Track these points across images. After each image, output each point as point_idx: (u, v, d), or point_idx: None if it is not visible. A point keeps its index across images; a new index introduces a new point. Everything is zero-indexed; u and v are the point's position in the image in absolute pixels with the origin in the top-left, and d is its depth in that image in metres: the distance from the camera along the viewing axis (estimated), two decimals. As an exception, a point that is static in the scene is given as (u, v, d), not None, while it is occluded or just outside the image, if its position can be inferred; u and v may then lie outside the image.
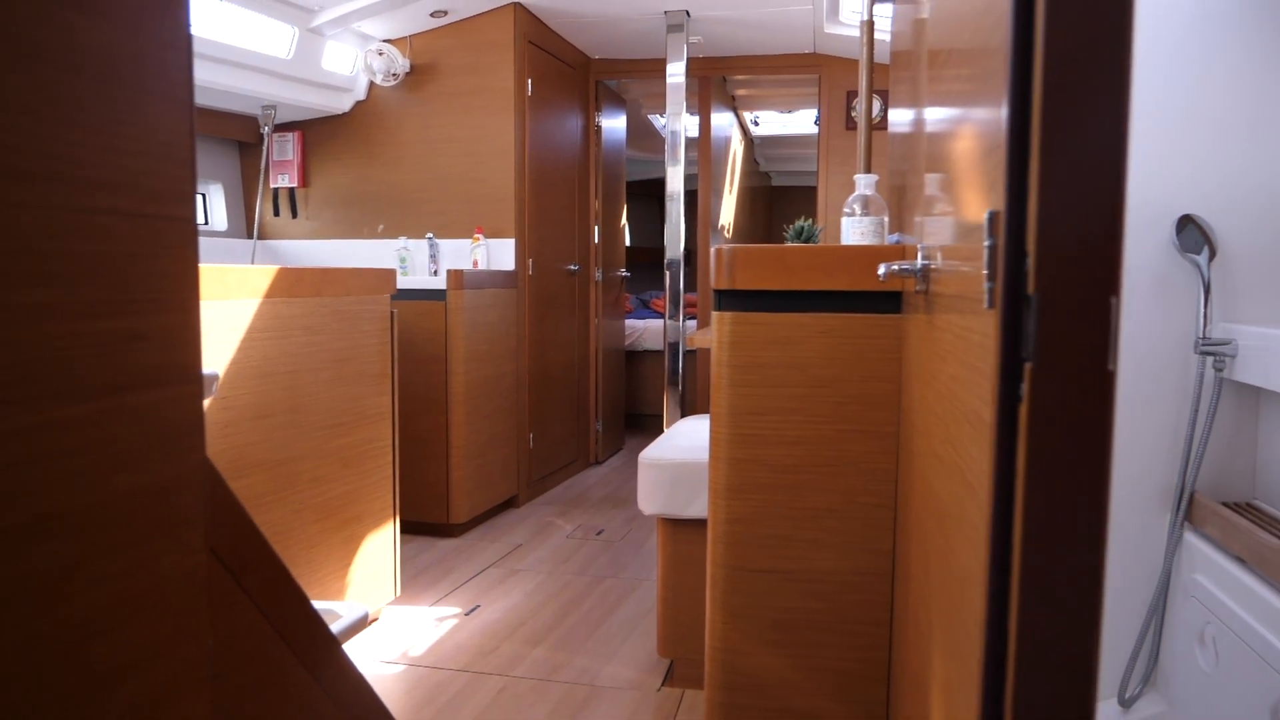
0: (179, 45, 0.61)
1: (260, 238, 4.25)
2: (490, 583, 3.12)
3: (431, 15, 3.87)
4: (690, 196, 4.93)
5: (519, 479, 4.08)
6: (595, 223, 4.90)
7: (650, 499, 2.25)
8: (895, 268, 1.19)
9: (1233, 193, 1.93)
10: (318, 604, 1.28)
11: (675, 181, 4.16)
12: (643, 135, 6.51)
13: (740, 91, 5.79)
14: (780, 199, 8.64)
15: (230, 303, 2.02)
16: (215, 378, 1.78)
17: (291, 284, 2.23)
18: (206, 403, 1.89)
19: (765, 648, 1.69)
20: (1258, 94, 1.91)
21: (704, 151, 4.98)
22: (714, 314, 1.65)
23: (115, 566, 0.56)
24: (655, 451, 2.29)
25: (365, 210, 4.16)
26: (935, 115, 1.16)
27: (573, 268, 4.66)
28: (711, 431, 1.67)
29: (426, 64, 4.01)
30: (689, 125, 4.62)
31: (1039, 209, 0.49)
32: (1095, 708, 0.53)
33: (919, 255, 1.12)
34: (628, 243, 8.16)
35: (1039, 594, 0.50)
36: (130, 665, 0.57)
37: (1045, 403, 0.49)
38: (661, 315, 5.92)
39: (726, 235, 5.61)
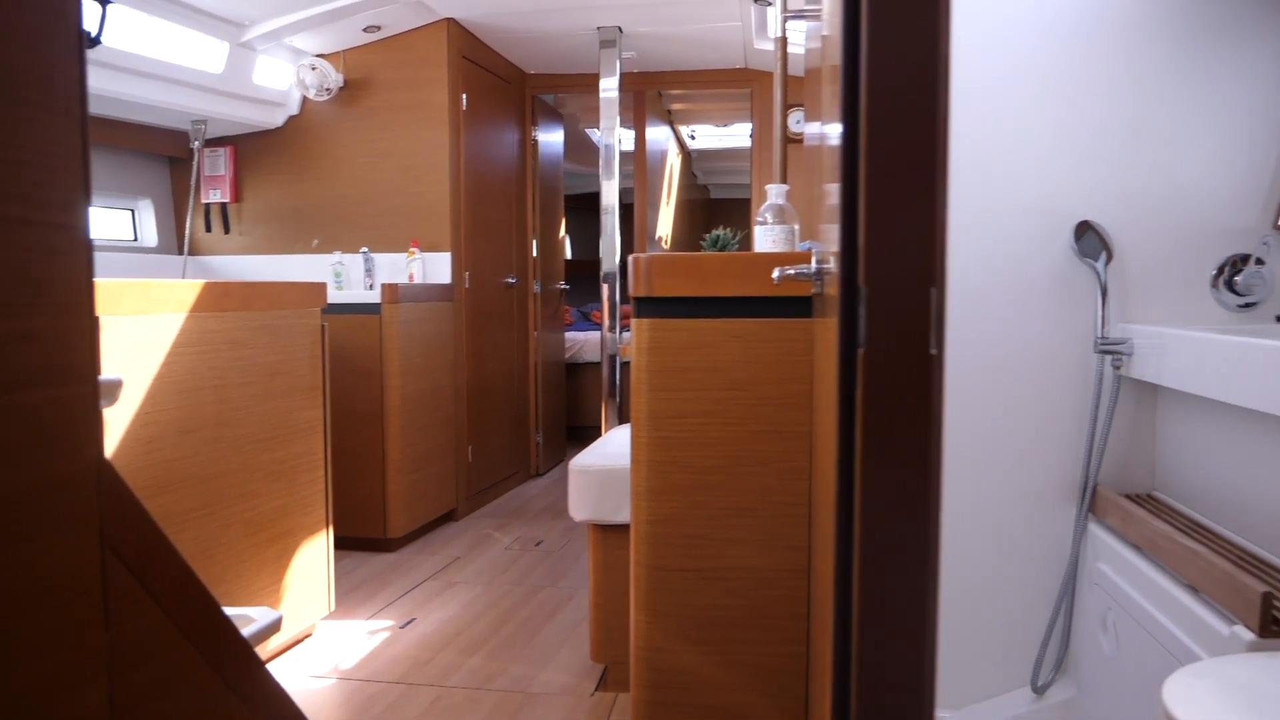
0: (70, 57, 0.64)
1: (192, 254, 4.21)
2: (427, 595, 3.12)
3: (364, 30, 3.88)
4: (628, 209, 4.99)
5: (458, 492, 4.09)
6: (533, 236, 4.93)
7: (580, 505, 2.28)
8: (790, 271, 1.24)
9: (1127, 199, 2.03)
10: (231, 609, 1.29)
11: (610, 195, 4.21)
12: (581, 149, 6.56)
13: (676, 106, 5.87)
14: (719, 211, 8.75)
15: (154, 317, 2.02)
16: (118, 384, 1.78)
17: (218, 298, 2.23)
18: (112, 408, 1.88)
19: (688, 646, 1.73)
20: (1149, 108, 2.01)
21: (639, 165, 5.04)
22: (633, 321, 1.69)
23: (4, 558, 0.58)
24: (585, 459, 2.33)
25: (300, 225, 4.14)
26: (830, 128, 1.22)
27: (511, 280, 4.68)
28: (632, 436, 1.71)
29: (360, 79, 4.02)
30: (624, 139, 4.68)
31: (866, 210, 0.54)
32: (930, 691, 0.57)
33: (813, 260, 1.17)
34: (568, 256, 8.21)
35: (875, 565, 0.54)
36: (20, 654, 0.59)
37: (875, 386, 0.54)
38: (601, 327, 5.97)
39: (664, 246, 5.67)
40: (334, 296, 3.59)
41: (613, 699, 2.33)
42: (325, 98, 3.98)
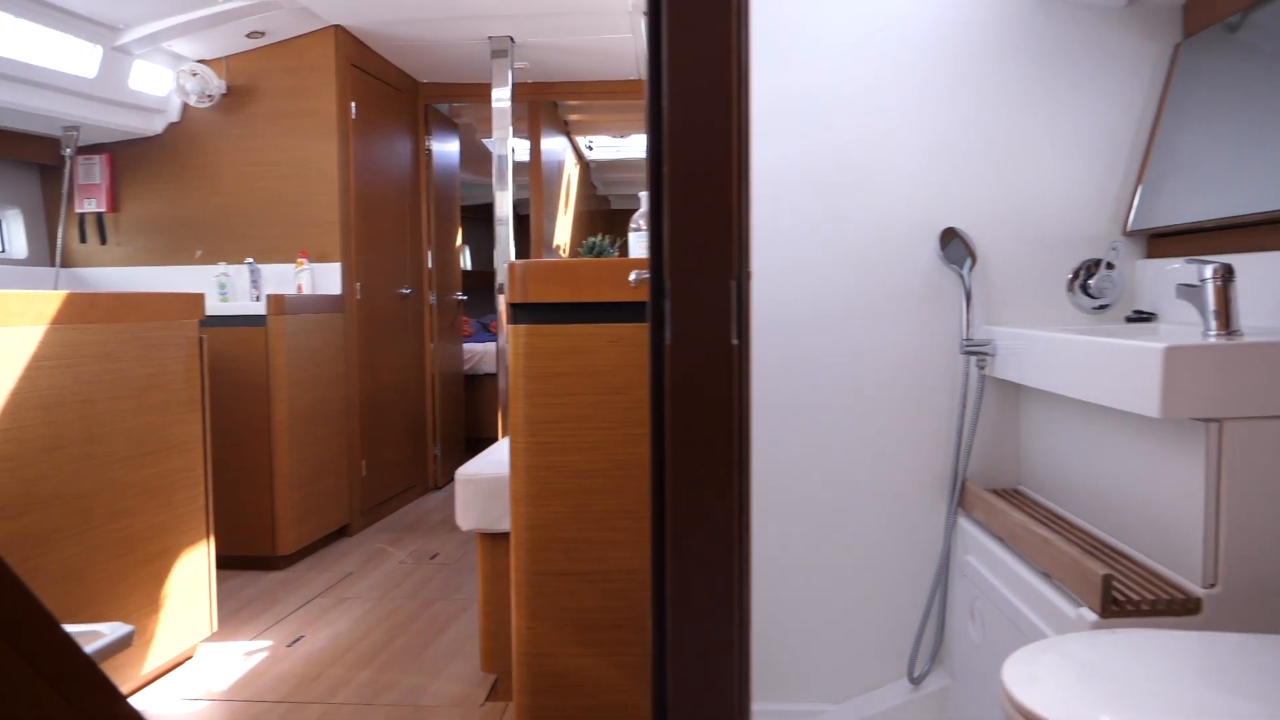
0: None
1: (66, 266, 4.04)
2: (316, 613, 3.05)
3: (248, 36, 3.79)
4: (526, 220, 4.99)
5: (351, 507, 4.01)
6: (429, 246, 4.88)
7: (467, 514, 2.27)
8: (645, 275, 1.27)
9: (991, 209, 2.13)
10: (77, 626, 1.24)
11: (504, 205, 4.20)
12: (479, 159, 6.53)
13: (573, 117, 5.89)
14: (620, 221, 8.80)
15: (11, 330, 1.94)
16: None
17: (84, 309, 2.15)
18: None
19: (572, 649, 1.74)
20: (1011, 123, 2.11)
21: (535, 175, 5.05)
22: (509, 327, 1.70)
23: None
24: (472, 468, 2.32)
25: (182, 236, 4.02)
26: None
27: (405, 291, 4.63)
28: (510, 442, 1.72)
29: (245, 86, 3.93)
30: (518, 149, 4.68)
31: (670, 209, 0.56)
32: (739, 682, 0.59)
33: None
34: (467, 266, 8.15)
35: (683, 553, 0.57)
36: None
37: (680, 378, 0.56)
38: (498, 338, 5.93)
39: (563, 256, 5.68)
40: (217, 308, 3.49)
41: (503, 708, 2.32)
42: (207, 104, 3.87)
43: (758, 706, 2.19)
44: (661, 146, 0.56)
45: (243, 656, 2.67)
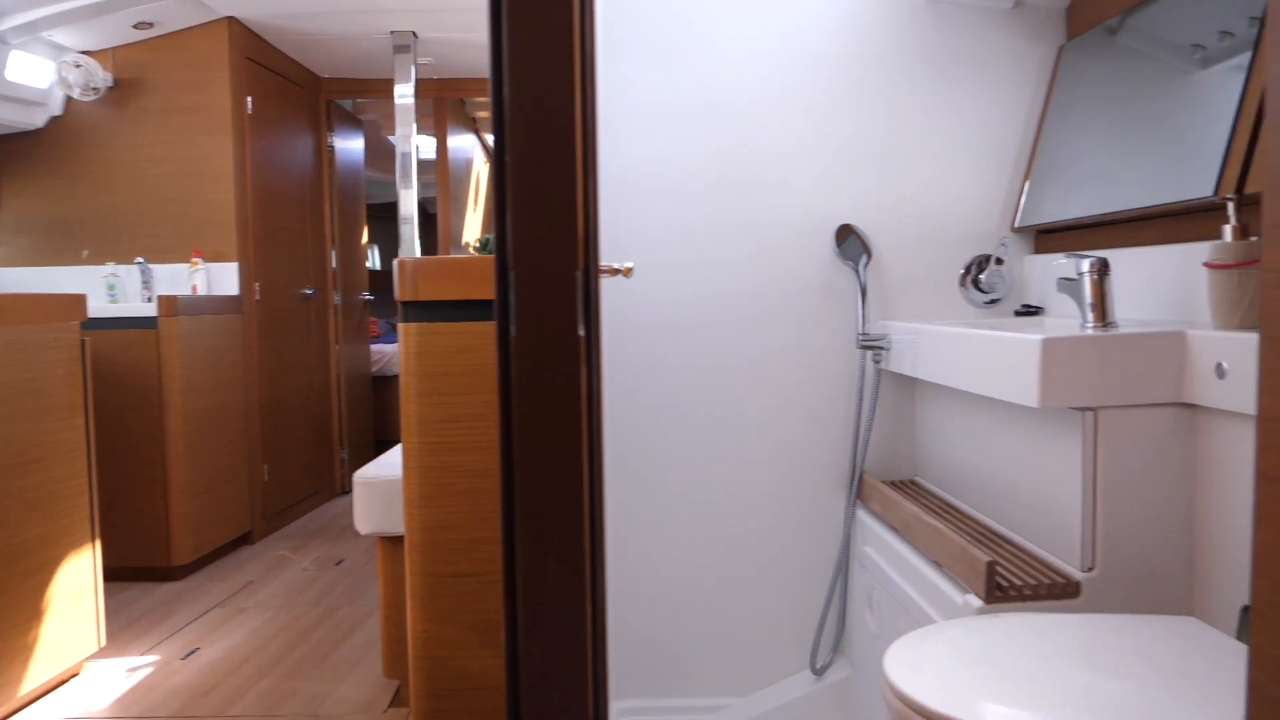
0: None
1: (-59, 266, 3.83)
2: (213, 624, 2.95)
3: (135, 27, 3.65)
4: (434, 218, 4.91)
5: (253, 514, 3.89)
6: (332, 245, 4.77)
7: (366, 518, 2.22)
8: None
9: (886, 206, 2.16)
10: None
11: (409, 204, 4.13)
12: (386, 156, 6.41)
13: (481, 114, 5.83)
14: (534, 221, 8.73)
15: None
16: None
17: (-50, 311, 2.03)
18: None
19: (471, 651, 1.72)
20: (905, 123, 2.15)
21: (442, 173, 4.97)
22: (400, 326, 1.66)
23: None
24: (370, 470, 2.27)
25: (68, 234, 3.84)
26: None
27: (308, 292, 4.51)
28: (403, 442, 1.68)
29: (133, 79, 3.77)
30: (425, 146, 4.60)
31: (513, 199, 0.55)
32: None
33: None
34: (375, 266, 7.99)
35: (533, 542, 0.55)
36: None
37: (525, 369, 0.55)
38: (411, 339, 5.83)
39: (472, 254, 5.61)
40: (106, 310, 3.35)
41: (406, 714, 2.28)
42: (93, 98, 3.71)
43: (662, 702, 2.19)
44: (504, 139, 0.54)
45: (132, 672, 2.57)
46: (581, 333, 0.54)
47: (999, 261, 2.16)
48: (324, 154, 4.72)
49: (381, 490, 2.18)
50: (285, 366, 4.24)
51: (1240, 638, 1.33)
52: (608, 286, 2.12)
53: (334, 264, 4.78)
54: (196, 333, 3.46)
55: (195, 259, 3.72)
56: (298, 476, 4.35)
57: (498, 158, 0.55)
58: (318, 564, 3.60)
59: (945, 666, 1.10)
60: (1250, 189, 1.39)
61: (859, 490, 2.12)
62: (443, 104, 4.89)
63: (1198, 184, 1.51)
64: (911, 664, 1.11)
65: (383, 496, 2.18)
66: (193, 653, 2.70)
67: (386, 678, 2.37)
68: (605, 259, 2.12)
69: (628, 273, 1.14)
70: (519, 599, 0.56)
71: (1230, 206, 1.40)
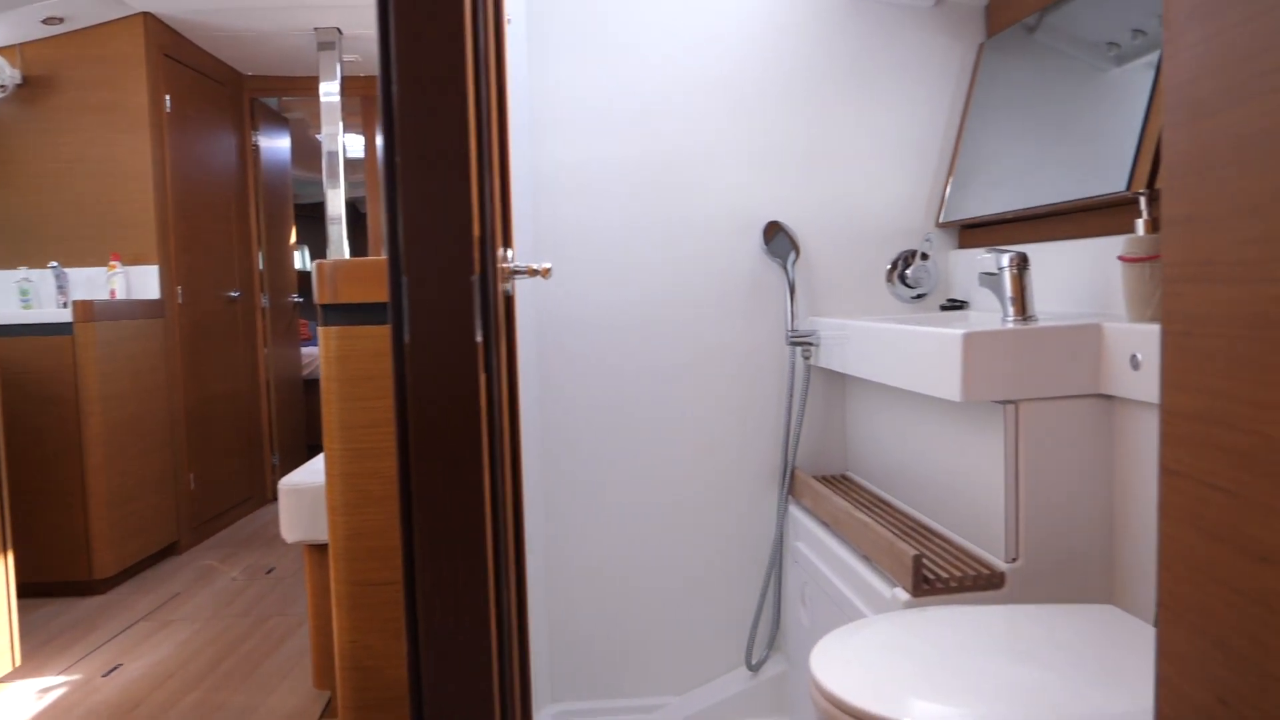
0: None
1: None
2: (137, 638, 2.86)
3: (45, 23, 3.51)
4: (365, 218, 4.82)
5: (179, 524, 3.78)
6: (259, 247, 4.66)
7: (292, 526, 2.16)
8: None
9: (814, 204, 2.17)
10: None
11: (336, 203, 4.04)
12: (314, 156, 6.28)
13: (412, 112, 5.74)
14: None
15: None
16: None
17: None
18: None
19: (399, 660, 1.68)
20: (832, 122, 2.16)
21: (371, 172, 4.89)
22: (320, 329, 1.62)
23: None
24: (296, 477, 2.21)
25: (-24, 238, 3.69)
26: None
27: (233, 294, 4.40)
28: (325, 449, 1.64)
29: (43, 76, 3.64)
30: (353, 145, 4.52)
31: (404, 203, 0.53)
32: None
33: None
34: (305, 267, 7.83)
35: (428, 552, 0.53)
36: None
37: (420, 376, 0.53)
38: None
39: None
40: (17, 316, 3.22)
41: (337, 726, 2.23)
42: (0, 96, 3.57)
43: (599, 704, 2.18)
44: (393, 140, 0.52)
45: (47, 692, 2.47)
46: (479, 338, 0.52)
47: (924, 257, 2.18)
48: (248, 153, 4.61)
49: (308, 497, 2.13)
50: (211, 371, 4.13)
51: (1157, 624, 1.36)
52: (536, 287, 2.10)
53: (261, 265, 4.67)
54: (115, 339, 3.35)
55: (113, 262, 3.60)
56: (226, 484, 4.24)
57: (388, 159, 0.52)
58: (247, 573, 3.51)
59: (871, 663, 1.10)
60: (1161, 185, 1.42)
61: (791, 486, 2.13)
62: (370, 101, 4.81)
63: (1111, 179, 1.54)
64: (837, 662, 1.11)
65: (309, 503, 2.13)
66: (115, 669, 2.61)
67: (317, 688, 2.31)
68: (533, 259, 2.09)
69: (546, 274, 1.12)
70: (418, 612, 0.54)
71: (1142, 201, 1.43)
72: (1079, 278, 1.72)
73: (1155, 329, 1.31)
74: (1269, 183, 0.51)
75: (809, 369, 2.13)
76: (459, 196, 0.50)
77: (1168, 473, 0.61)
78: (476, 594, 0.53)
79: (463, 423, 0.52)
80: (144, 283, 3.68)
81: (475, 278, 0.52)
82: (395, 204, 0.53)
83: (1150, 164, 1.46)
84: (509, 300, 1.22)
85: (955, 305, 2.15)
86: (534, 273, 1.13)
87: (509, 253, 1.17)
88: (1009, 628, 1.22)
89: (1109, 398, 1.46)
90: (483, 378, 0.53)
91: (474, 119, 0.53)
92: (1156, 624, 1.34)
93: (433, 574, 0.53)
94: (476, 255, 0.52)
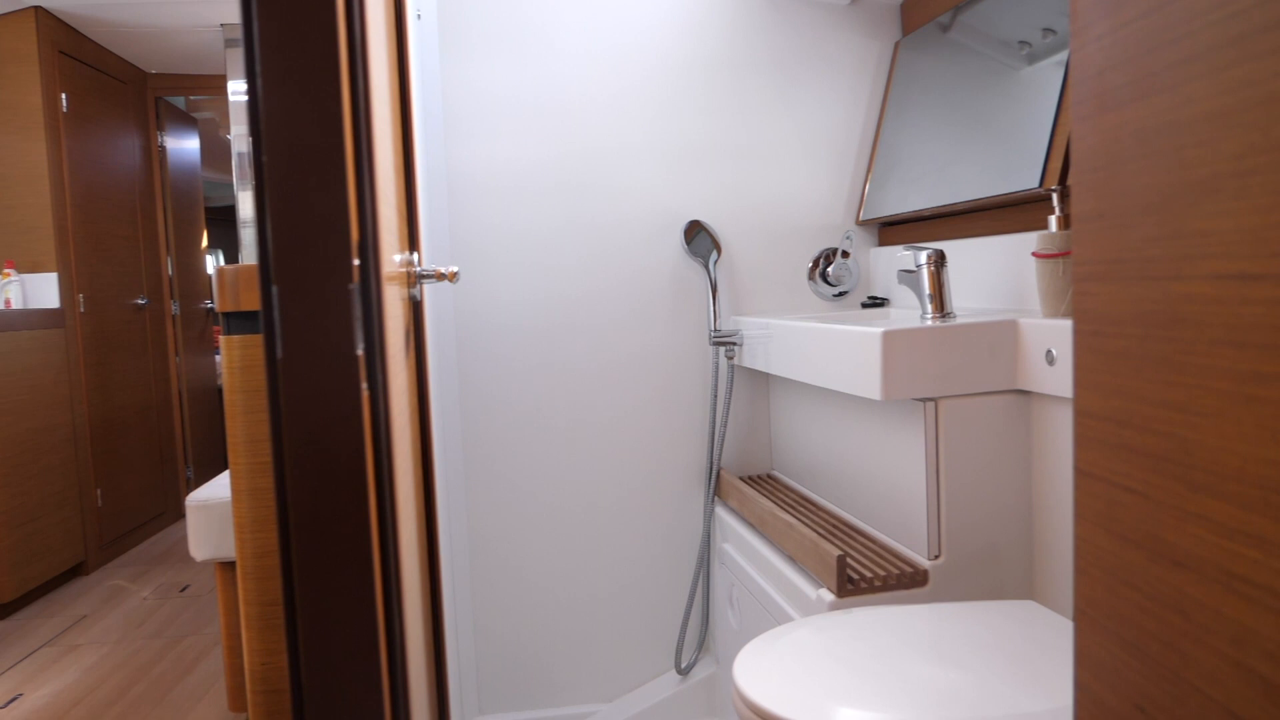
0: None
1: None
2: (41, 665, 2.72)
3: (-72, 18, 3.33)
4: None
5: (86, 542, 3.62)
6: (168, 252, 4.49)
7: (201, 544, 2.07)
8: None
9: (734, 202, 2.16)
10: None
11: (247, 206, 3.92)
12: (226, 157, 6.09)
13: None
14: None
15: None
16: None
17: None
18: None
19: (315, 683, 1.61)
20: (752, 121, 2.15)
21: (287, 173, 4.75)
22: (222, 339, 1.54)
23: None
24: (205, 493, 2.12)
25: None
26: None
27: (140, 302, 4.23)
28: (231, 464, 1.56)
29: (-72, 74, 3.44)
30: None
31: (271, 206, 0.48)
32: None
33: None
34: (225, 273, 7.59)
35: (310, 584, 0.49)
36: None
37: (295, 395, 0.49)
38: (260, 347, 5.55)
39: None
40: (-98, 329, 3.04)
41: (254, 750, 2.14)
42: (-119, 96, 3.37)
43: (528, 714, 2.13)
44: (260, 137, 0.48)
45: (-58, 727, 2.34)
46: (360, 351, 0.48)
47: (845, 255, 2.18)
48: (154, 154, 4.44)
49: (216, 513, 2.04)
50: (119, 382, 3.97)
51: (1075, 631, 1.37)
52: (457, 289, 2.05)
53: (170, 271, 4.50)
54: (10, 350, 3.18)
55: (8, 270, 3.43)
56: (137, 499, 4.08)
57: (255, 159, 0.48)
58: (160, 591, 3.38)
59: (793, 670, 1.08)
60: (1072, 180, 1.44)
61: (717, 487, 2.12)
62: (284, 101, 4.66)
63: (1025, 177, 1.55)
64: (760, 670, 1.09)
65: (218, 520, 2.05)
66: (15, 700, 2.48)
67: (232, 711, 2.23)
68: (450, 261, 2.04)
69: (453, 277, 1.08)
70: (300, 646, 0.50)
71: (1055, 198, 1.44)
72: (996, 274, 1.73)
73: (1069, 325, 1.32)
74: (1173, 178, 0.49)
75: (733, 369, 2.11)
76: (333, 198, 0.46)
77: (1081, 474, 0.60)
78: (362, 628, 0.49)
79: (342, 441, 0.47)
80: (42, 291, 3.51)
81: (354, 286, 0.48)
82: (264, 208, 0.48)
83: (1061, 161, 1.47)
84: (417, 305, 1.17)
85: (876, 303, 2.16)
86: (441, 277, 1.08)
87: (415, 256, 1.12)
88: (931, 628, 1.21)
89: (1026, 393, 1.47)
90: (365, 392, 0.48)
91: (349, 113, 0.49)
92: (1075, 627, 1.35)
93: (314, 611, 0.48)
94: (356, 262, 0.48)
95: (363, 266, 0.50)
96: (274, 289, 0.47)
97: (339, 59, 0.47)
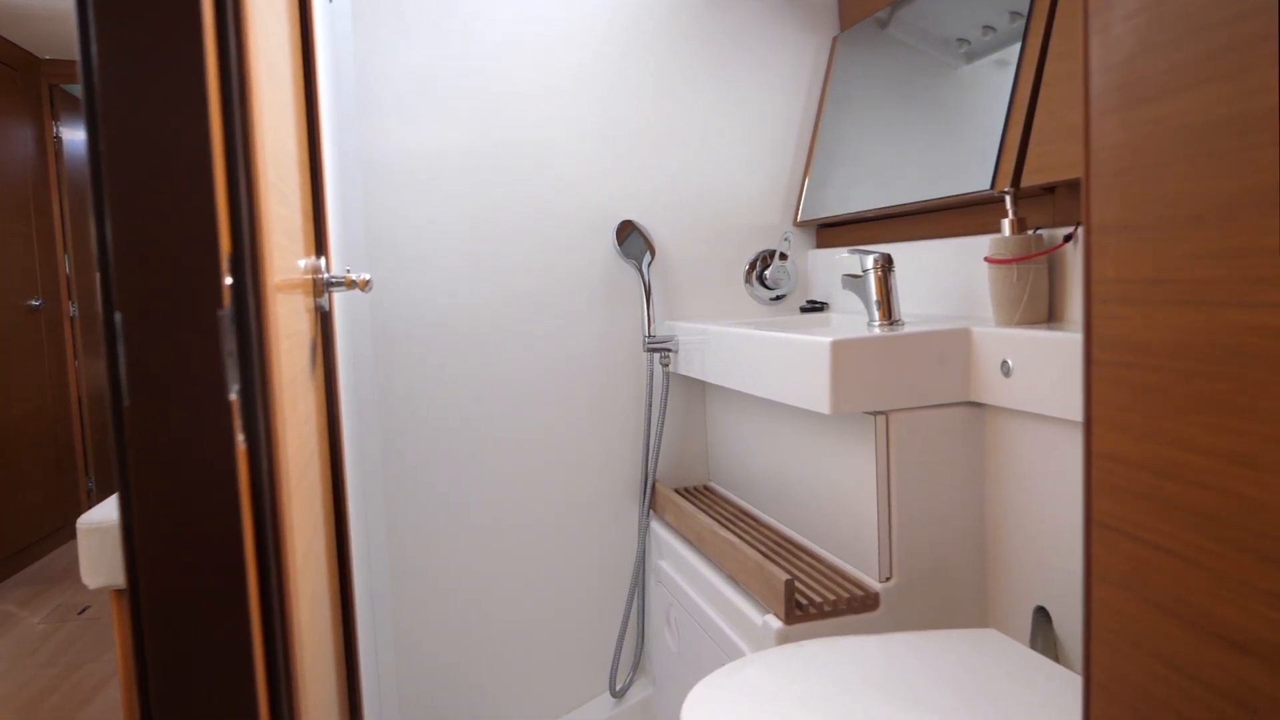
0: None
1: None
2: (-84, 701, 2.50)
3: None
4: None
5: (-27, 562, 3.37)
6: (64, 250, 4.22)
7: (94, 570, 1.89)
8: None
9: (668, 201, 2.06)
10: None
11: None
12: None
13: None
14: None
15: None
16: None
17: None
18: None
19: None
20: (686, 116, 2.06)
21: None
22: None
23: None
24: (98, 514, 1.94)
25: None
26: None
27: (35, 303, 3.96)
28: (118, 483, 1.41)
29: None
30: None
31: (112, 207, 0.37)
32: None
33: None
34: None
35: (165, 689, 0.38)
36: None
37: (147, 447, 0.38)
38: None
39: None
40: None
41: (154, 792, 1.98)
42: None
43: (453, 746, 2.01)
44: (96, 125, 0.36)
45: None
46: (234, 395, 0.37)
47: (783, 257, 2.11)
48: (49, 146, 4.16)
49: (111, 537, 1.87)
50: (9, 388, 3.70)
51: (1034, 641, 1.31)
52: (370, 293, 1.91)
53: (68, 270, 4.24)
54: (-115, 357, 2.93)
55: (-118, 269, 3.16)
56: (31, 515, 3.82)
57: (90, 151, 0.37)
58: (56, 615, 3.15)
59: (748, 714, 0.99)
60: (1028, 182, 1.38)
61: (652, 501, 2.02)
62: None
63: (974, 178, 1.49)
64: (711, 717, 0.99)
65: (112, 544, 1.87)
66: (-115, 742, 2.26)
67: (130, 750, 2.05)
68: (364, 262, 1.90)
69: (365, 285, 0.96)
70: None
71: (1008, 200, 1.38)
72: (942, 279, 1.67)
73: (1026, 334, 1.26)
74: (1236, 183, 0.41)
75: (668, 376, 2.02)
76: (195, 199, 0.35)
77: (1100, 527, 0.51)
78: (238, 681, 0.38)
79: (210, 516, 0.37)
80: (-78, 292, 3.25)
81: (225, 312, 0.37)
82: (102, 212, 0.37)
83: (1014, 162, 1.41)
84: (325, 317, 1.05)
85: (815, 307, 2.09)
86: (352, 284, 0.96)
87: (323, 261, 1.00)
88: (889, 662, 1.13)
89: (979, 405, 1.40)
90: (243, 445, 0.38)
91: (218, 91, 0.38)
92: (1036, 637, 1.29)
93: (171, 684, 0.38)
94: (228, 280, 0.37)
95: (237, 285, 0.39)
96: (116, 316, 0.36)
97: (201, 22, 0.36)
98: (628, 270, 2.05)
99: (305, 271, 0.89)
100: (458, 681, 2.00)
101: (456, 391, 1.96)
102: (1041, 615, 1.32)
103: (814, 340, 1.35)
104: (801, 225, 2.14)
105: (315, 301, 0.95)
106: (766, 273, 2.11)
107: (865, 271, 1.56)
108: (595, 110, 2.01)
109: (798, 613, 1.34)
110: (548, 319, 2.00)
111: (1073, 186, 1.37)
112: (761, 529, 1.73)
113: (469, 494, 1.98)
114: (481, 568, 2.00)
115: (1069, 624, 1.26)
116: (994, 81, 1.54)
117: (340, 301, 1.59)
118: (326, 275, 0.97)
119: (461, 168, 1.94)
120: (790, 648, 1.16)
